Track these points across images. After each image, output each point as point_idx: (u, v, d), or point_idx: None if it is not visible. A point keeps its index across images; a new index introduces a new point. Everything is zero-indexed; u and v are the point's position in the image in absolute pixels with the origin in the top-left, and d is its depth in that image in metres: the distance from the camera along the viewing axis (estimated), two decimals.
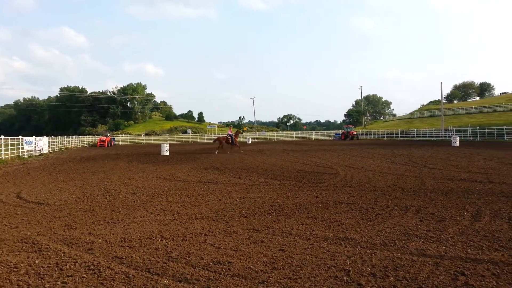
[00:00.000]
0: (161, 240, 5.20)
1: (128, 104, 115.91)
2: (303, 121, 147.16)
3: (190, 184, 10.83)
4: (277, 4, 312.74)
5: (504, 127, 39.83)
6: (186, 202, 8.04)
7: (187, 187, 10.24)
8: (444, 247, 4.62)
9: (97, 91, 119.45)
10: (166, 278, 3.84)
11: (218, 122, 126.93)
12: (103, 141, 46.97)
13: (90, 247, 4.92)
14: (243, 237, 5.28)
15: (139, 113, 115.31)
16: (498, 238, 4.94)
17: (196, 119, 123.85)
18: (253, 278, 3.79)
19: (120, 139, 63.80)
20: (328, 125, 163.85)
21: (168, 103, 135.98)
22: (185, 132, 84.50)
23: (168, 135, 74.37)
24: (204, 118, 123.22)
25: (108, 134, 59.12)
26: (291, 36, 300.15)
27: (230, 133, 28.22)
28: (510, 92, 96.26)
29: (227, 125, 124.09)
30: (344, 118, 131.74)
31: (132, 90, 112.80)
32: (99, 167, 17.14)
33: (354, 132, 59.75)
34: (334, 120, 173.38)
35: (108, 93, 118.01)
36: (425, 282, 3.59)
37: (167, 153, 25.66)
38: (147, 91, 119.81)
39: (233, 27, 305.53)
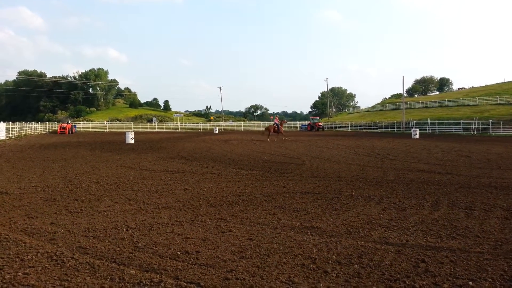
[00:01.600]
0: (127, 230, 5.11)
1: (90, 90, 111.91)
2: (270, 111, 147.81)
3: (156, 173, 10.67)
4: None
5: (461, 121, 41.76)
6: (152, 191, 7.92)
7: (153, 176, 10.08)
8: (405, 236, 4.82)
9: (57, 75, 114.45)
10: (132, 268, 3.78)
11: (185, 111, 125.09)
12: (64, 128, 45.34)
13: (53, 237, 4.76)
14: (211, 226, 5.28)
15: (102, 100, 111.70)
16: (455, 226, 5.20)
17: (162, 107, 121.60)
18: (222, 267, 3.80)
19: (82, 126, 61.69)
20: (294, 116, 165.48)
21: (133, 90, 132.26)
22: (150, 121, 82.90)
23: (132, 123, 72.70)
24: (171, 107, 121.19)
25: (69, 121, 57.04)
26: (259, 26, 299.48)
27: (276, 122, 29.97)
28: (467, 87, 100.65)
29: (194, 114, 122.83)
30: (310, 110, 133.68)
31: (94, 76, 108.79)
32: (60, 155, 16.53)
33: (320, 124, 60.79)
34: (301, 111, 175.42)
35: (69, 78, 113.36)
36: (388, 269, 3.74)
37: (132, 142, 25.11)
38: (110, 77, 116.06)
39: (200, 14, 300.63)
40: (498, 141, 24.86)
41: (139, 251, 4.28)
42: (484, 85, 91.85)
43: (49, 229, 5.15)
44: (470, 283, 3.42)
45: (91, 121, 77.07)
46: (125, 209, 6.32)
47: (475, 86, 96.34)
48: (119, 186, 8.54)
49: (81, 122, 69.99)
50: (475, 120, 39.61)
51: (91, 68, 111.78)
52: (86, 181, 9.31)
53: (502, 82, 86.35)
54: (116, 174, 10.52)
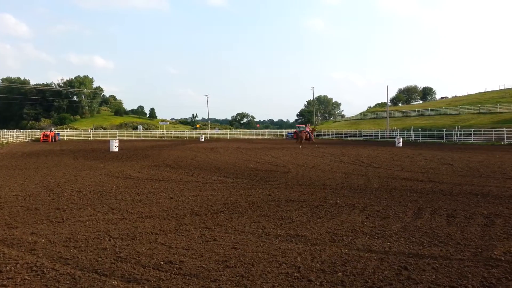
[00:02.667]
0: (109, 239, 5.03)
1: (75, 98, 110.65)
2: (257, 119, 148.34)
3: (140, 182, 10.56)
4: (229, 2, 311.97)
5: (444, 129, 42.52)
6: (136, 200, 7.84)
7: (137, 185, 9.98)
8: (388, 243, 4.86)
9: (41, 83, 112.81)
10: (114, 278, 3.73)
11: (171, 119, 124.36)
12: (47, 136, 44.64)
13: (33, 248, 4.66)
14: (195, 235, 5.24)
15: (87, 108, 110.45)
16: (437, 234, 5.28)
17: (148, 115, 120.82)
18: (205, 276, 3.78)
19: (66, 134, 60.67)
20: (281, 124, 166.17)
21: (118, 97, 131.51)
22: (135, 128, 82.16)
23: (117, 131, 71.93)
24: (156, 115, 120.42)
25: (53, 129, 56.23)
26: (245, 35, 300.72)
27: (308, 130, 31.67)
28: (449, 96, 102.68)
29: (180, 122, 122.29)
30: (297, 118, 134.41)
31: (79, 83, 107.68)
32: (42, 163, 16.24)
33: None
34: (287, 119, 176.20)
35: (53, 85, 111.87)
36: (371, 277, 3.77)
37: (116, 150, 24.83)
38: (95, 84, 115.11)
39: (187, 22, 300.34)
40: (479, 150, 25.38)
41: (122, 261, 4.22)
42: (466, 94, 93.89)
43: (30, 239, 5.04)
44: None
45: (75, 129, 76.00)
46: (108, 219, 6.23)
47: (458, 95, 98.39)
48: (102, 195, 8.42)
49: (65, 130, 68.93)
50: (457, 128, 40.39)
51: (76, 75, 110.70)
52: (68, 190, 9.16)
53: (483, 92, 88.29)
54: (99, 182, 10.38)
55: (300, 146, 29.16)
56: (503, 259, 4.24)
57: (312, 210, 6.84)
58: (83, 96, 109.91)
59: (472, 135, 38.05)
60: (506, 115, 52.19)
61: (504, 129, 34.34)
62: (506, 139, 33.38)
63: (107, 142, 30.85)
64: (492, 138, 35.53)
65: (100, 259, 4.29)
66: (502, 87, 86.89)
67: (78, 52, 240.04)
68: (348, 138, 56.91)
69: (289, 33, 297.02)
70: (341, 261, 4.22)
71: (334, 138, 60.61)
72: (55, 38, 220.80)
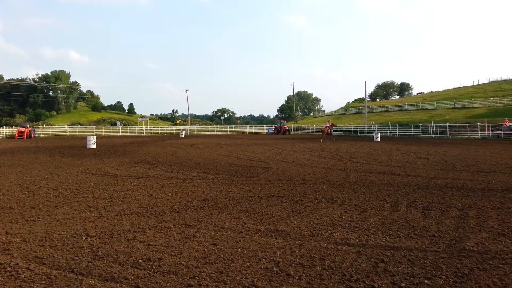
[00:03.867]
0: (86, 238, 4.95)
1: (51, 93, 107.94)
2: (237, 115, 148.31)
3: (118, 179, 10.41)
4: None
5: (420, 124, 43.42)
6: (114, 197, 7.72)
7: (115, 182, 9.83)
8: (366, 236, 4.95)
9: (15, 78, 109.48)
10: (91, 277, 3.67)
11: (150, 115, 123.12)
12: (22, 132, 43.29)
13: (7, 247, 4.54)
14: (175, 232, 5.21)
15: (63, 103, 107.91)
16: (413, 226, 5.40)
17: (126, 111, 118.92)
18: (184, 273, 3.76)
19: (41, 130, 59.14)
20: (261, 120, 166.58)
21: (95, 93, 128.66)
22: (114, 124, 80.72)
23: (95, 127, 70.56)
24: (135, 110, 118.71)
25: (28, 125, 54.40)
26: (227, 29, 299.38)
27: (328, 125, 34.68)
28: (425, 92, 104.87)
29: (160, 117, 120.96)
30: (277, 113, 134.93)
31: (55, 78, 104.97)
32: (17, 160, 15.80)
33: (286, 127, 61.46)
34: (268, 115, 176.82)
35: (28, 80, 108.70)
36: (349, 270, 3.82)
37: (94, 146, 24.38)
38: (72, 79, 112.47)
39: (166, 16, 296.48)
40: (454, 144, 26.04)
41: (99, 259, 4.15)
42: (442, 89, 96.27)
43: (4, 238, 4.91)
44: (426, 281, 3.55)
45: (51, 125, 74.14)
46: (85, 217, 6.12)
47: (434, 90, 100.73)
48: (79, 193, 8.26)
49: (41, 126, 67.12)
50: (433, 123, 41.32)
51: (52, 70, 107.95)
52: (44, 187, 8.95)
53: (459, 87, 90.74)
54: (76, 180, 10.17)
55: (322, 140, 31.58)
56: (475, 250, 4.37)
57: (292, 205, 6.89)
58: (59, 91, 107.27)
59: (448, 129, 39.01)
60: (480, 110, 53.76)
61: (478, 123, 35.31)
62: (480, 133, 34.35)
63: (84, 139, 30.26)
64: (467, 133, 36.51)
65: (76, 258, 4.22)
66: (476, 83, 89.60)
67: (52, 46, 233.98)
68: None
69: (271, 30, 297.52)
70: (320, 255, 4.27)
71: (314, 133, 61.09)
72: (28, 31, 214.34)
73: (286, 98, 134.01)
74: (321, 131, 34.44)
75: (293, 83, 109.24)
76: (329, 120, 36.95)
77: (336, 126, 44.76)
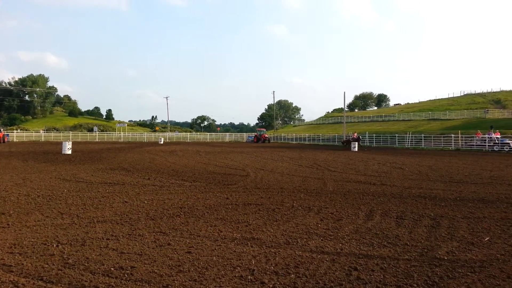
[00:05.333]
0: (57, 245, 4.82)
1: (27, 97, 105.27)
2: (218, 122, 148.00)
3: (93, 185, 10.20)
4: (194, 2, 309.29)
5: (396, 135, 44.31)
6: (88, 204, 7.55)
7: (90, 188, 9.63)
8: (340, 244, 5.00)
9: None
10: (61, 286, 3.58)
11: (129, 121, 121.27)
12: None
13: None
14: (149, 240, 5.13)
15: (39, 108, 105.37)
16: (386, 235, 5.49)
17: (105, 117, 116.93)
18: (157, 282, 3.70)
19: (16, 135, 57.42)
20: (241, 128, 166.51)
21: (73, 98, 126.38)
22: (91, 130, 79.30)
23: (71, 132, 69.05)
24: (113, 116, 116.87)
25: (1, 129, 52.83)
26: (207, 36, 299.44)
27: (355, 136, 37.60)
28: (402, 103, 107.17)
29: (139, 124, 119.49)
30: (257, 122, 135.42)
31: (32, 82, 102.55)
32: None
33: (266, 136, 61.62)
34: (248, 123, 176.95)
35: (3, 84, 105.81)
36: (322, 278, 3.85)
37: (69, 152, 23.82)
38: (49, 83, 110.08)
39: (146, 22, 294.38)
40: (429, 154, 26.66)
41: (69, 267, 4.05)
42: (418, 101, 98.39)
43: None
44: None
45: (26, 130, 72.19)
46: (57, 224, 5.97)
47: (410, 102, 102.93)
48: (52, 199, 8.05)
49: (15, 131, 65.23)
50: (409, 134, 42.24)
51: (29, 74, 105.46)
52: (15, 193, 8.68)
53: (434, 99, 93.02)
54: (49, 186, 9.92)
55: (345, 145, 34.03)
56: (446, 258, 4.47)
57: (269, 213, 6.90)
58: (35, 95, 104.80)
59: (423, 140, 39.91)
60: (454, 122, 55.29)
61: (452, 135, 36.31)
62: (454, 144, 35.30)
63: (59, 144, 29.55)
64: (441, 144, 37.48)
65: (46, 265, 4.10)
66: (451, 95, 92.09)
67: (29, 50, 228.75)
68: (307, 142, 58.00)
69: (252, 38, 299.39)
70: (295, 263, 4.28)
71: (294, 142, 61.54)
72: (3, 34, 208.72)
73: (266, 107, 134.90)
74: (348, 141, 36.08)
75: (273, 92, 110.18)
76: (355, 133, 39.08)
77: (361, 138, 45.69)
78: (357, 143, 34.19)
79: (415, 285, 3.70)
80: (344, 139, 36.82)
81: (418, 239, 5.31)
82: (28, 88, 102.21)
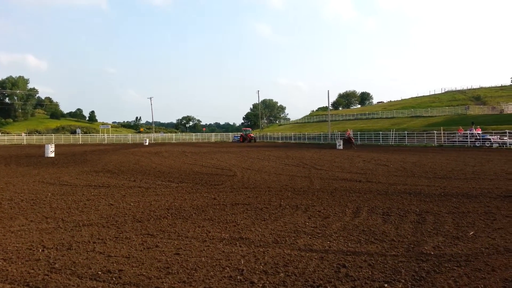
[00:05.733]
0: (43, 250, 4.73)
1: (7, 100, 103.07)
2: (203, 123, 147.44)
3: (78, 188, 10.04)
4: (174, 2, 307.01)
5: (380, 132, 44.85)
6: (73, 208, 7.44)
7: (74, 191, 9.47)
8: (328, 242, 5.03)
9: None
10: None
11: (113, 122, 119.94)
12: None
13: None
14: (136, 243, 5.08)
15: (20, 110, 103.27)
16: (373, 232, 5.55)
17: (87, 118, 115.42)
18: (146, 285, 3.67)
19: None
20: (227, 128, 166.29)
21: (54, 100, 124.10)
22: (74, 132, 78.05)
23: (53, 135, 67.89)
24: (97, 118, 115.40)
25: None
26: (190, 36, 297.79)
27: (349, 134, 36.74)
28: (385, 101, 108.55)
29: (123, 125, 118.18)
30: (243, 121, 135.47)
31: (11, 84, 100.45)
32: None
33: (252, 135, 61.61)
34: (233, 123, 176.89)
35: None
36: (311, 276, 3.87)
37: (52, 155, 23.41)
38: (30, 85, 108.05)
39: (126, 21, 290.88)
40: (412, 151, 27.06)
41: (56, 272, 3.98)
42: (400, 99, 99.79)
43: None
44: (386, 285, 3.65)
45: (7, 133, 70.72)
46: (42, 228, 5.86)
47: (393, 100, 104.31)
48: (36, 203, 7.90)
49: None
50: (393, 131, 42.78)
51: (7, 76, 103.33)
52: None
53: (416, 97, 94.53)
54: (33, 190, 9.72)
55: (355, 148, 32.90)
56: (432, 253, 4.55)
57: (257, 213, 6.90)
58: (15, 98, 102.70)
59: (406, 137, 40.49)
60: (436, 119, 56.26)
61: (435, 131, 36.91)
62: (437, 141, 35.91)
63: (42, 147, 28.99)
64: (424, 140, 38.06)
65: (32, 271, 4.02)
66: (432, 92, 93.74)
67: (8, 51, 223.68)
68: (292, 141, 58.19)
69: (236, 37, 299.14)
70: (284, 261, 4.29)
71: (279, 141, 61.68)
72: None
73: (252, 106, 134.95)
74: (348, 141, 35.70)
75: (258, 91, 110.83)
76: (348, 130, 38.52)
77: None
78: (347, 141, 34.56)
79: (403, 281, 3.75)
80: (346, 137, 36.58)
81: (405, 234, 5.38)
82: (8, 90, 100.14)
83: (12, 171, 14.52)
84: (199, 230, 5.75)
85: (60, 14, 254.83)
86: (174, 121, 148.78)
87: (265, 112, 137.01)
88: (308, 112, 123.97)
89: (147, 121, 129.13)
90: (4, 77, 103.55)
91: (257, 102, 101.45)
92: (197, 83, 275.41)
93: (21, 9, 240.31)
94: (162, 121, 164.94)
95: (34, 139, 61.04)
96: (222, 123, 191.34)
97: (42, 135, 67.86)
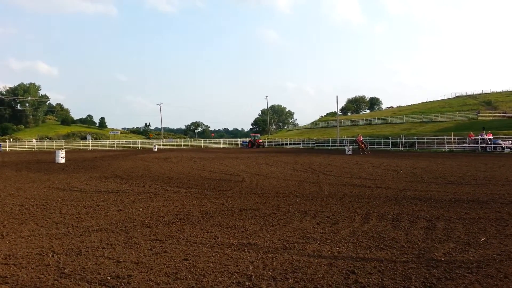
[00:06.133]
0: (53, 255, 4.77)
1: (19, 106, 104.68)
2: (211, 128, 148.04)
3: (87, 194, 10.13)
4: (185, 8, 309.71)
5: (390, 137, 44.59)
6: (83, 213, 7.49)
7: (84, 197, 9.56)
8: (337, 248, 4.99)
9: None
10: None
11: (122, 128, 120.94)
12: None
13: None
14: (145, 248, 5.09)
15: (31, 117, 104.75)
16: (383, 238, 5.49)
17: (98, 124, 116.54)
18: None
19: (8, 145, 57.02)
20: (236, 133, 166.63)
21: (65, 106, 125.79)
22: (84, 138, 78.84)
23: (64, 141, 68.68)
24: (107, 124, 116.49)
25: None
26: (198, 42, 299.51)
27: (361, 139, 35.99)
28: (394, 106, 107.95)
29: (132, 131, 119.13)
30: (251, 127, 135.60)
31: (23, 91, 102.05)
32: None
33: (260, 141, 61.64)
34: (242, 128, 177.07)
35: None
36: (320, 282, 3.84)
37: (63, 161, 23.66)
38: (41, 92, 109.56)
39: (136, 28, 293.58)
40: (422, 156, 26.82)
41: (65, 277, 4.01)
42: (410, 104, 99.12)
43: None
44: None
45: (19, 139, 71.70)
46: (52, 233, 5.91)
47: (402, 105, 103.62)
48: (46, 209, 7.98)
49: (7, 141, 64.71)
50: (402, 136, 42.49)
51: (19, 83, 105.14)
52: (9, 204, 8.60)
53: (426, 102, 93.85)
54: (43, 196, 9.83)
55: (366, 153, 32.90)
56: (443, 260, 4.48)
57: (265, 218, 6.89)
58: (27, 104, 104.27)
59: (416, 142, 40.17)
60: (446, 124, 55.78)
61: (445, 137, 36.57)
62: (447, 146, 35.55)
63: (52, 153, 29.34)
64: (434, 146, 37.71)
65: (42, 276, 4.06)
66: (442, 98, 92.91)
67: (20, 58, 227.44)
68: (301, 147, 58.07)
69: (244, 43, 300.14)
70: (292, 267, 4.27)
71: (288, 146, 61.61)
72: None
73: (260, 112, 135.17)
74: (360, 146, 35.30)
75: (266, 97, 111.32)
76: (360, 135, 38.29)
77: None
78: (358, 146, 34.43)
79: (413, 287, 3.70)
80: (356, 143, 36.32)
81: (415, 241, 5.32)
82: (20, 97, 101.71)
83: (23, 177, 14.69)
84: (207, 235, 5.75)
85: (70, 22, 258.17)
86: (183, 127, 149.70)
87: (274, 117, 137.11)
88: (316, 118, 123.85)
89: (156, 127, 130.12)
90: (16, 84, 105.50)
91: (266, 108, 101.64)
92: (205, 89, 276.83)
93: (32, 17, 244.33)
94: (171, 127, 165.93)
95: (45, 145, 61.78)
96: (230, 128, 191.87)
97: (53, 141, 68.68)
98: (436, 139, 38.71)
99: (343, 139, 51.65)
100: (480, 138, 32.45)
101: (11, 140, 67.25)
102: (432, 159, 23.13)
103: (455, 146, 35.29)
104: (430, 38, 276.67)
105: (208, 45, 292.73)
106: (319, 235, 5.66)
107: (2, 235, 5.80)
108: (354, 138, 37.97)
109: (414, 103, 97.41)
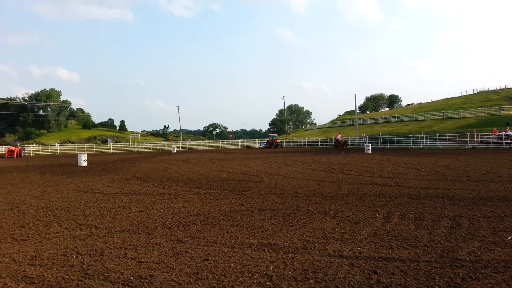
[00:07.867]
0: (77, 256, 4.88)
1: (41, 112, 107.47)
2: (229, 129, 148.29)
3: (109, 196, 10.31)
4: (200, 11, 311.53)
5: (410, 135, 43.81)
6: (105, 215, 7.64)
7: (106, 199, 9.74)
8: (358, 248, 4.94)
9: (4, 97, 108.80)
10: None
11: (142, 131, 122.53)
12: (12, 151, 42.80)
13: None
14: (166, 248, 5.15)
15: (53, 121, 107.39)
16: (405, 237, 5.40)
17: (118, 128, 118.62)
18: None
19: (32, 149, 58.58)
20: (253, 134, 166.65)
21: (86, 110, 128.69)
22: (105, 141, 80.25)
23: (86, 144, 70.05)
24: (126, 127, 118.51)
25: (18, 144, 53.88)
26: (215, 44, 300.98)
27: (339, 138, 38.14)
28: (415, 103, 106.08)
29: (152, 134, 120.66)
30: (269, 127, 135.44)
31: (45, 97, 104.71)
32: (6, 180, 15.58)
33: (278, 141, 61.58)
34: (260, 129, 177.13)
35: (17, 99, 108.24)
36: (342, 282, 3.81)
37: (85, 164, 24.17)
38: (63, 97, 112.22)
39: (153, 32, 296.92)
40: (444, 154, 26.26)
41: (89, 278, 4.09)
42: (430, 101, 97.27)
43: None
44: None
45: (42, 144, 73.49)
46: (76, 235, 6.04)
47: (422, 102, 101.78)
48: (70, 211, 8.16)
49: (31, 145, 66.47)
50: (423, 134, 41.71)
51: (42, 89, 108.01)
52: (34, 206, 8.83)
53: (447, 98, 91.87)
54: (67, 198, 10.06)
55: (343, 152, 33.23)
56: (467, 259, 4.38)
57: (285, 218, 6.87)
58: (49, 109, 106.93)
59: (438, 140, 39.38)
60: (468, 120, 54.41)
61: (467, 133, 35.72)
62: (470, 143, 34.73)
63: (75, 157, 30.00)
64: (457, 143, 36.89)
65: (67, 276, 4.15)
66: (464, 94, 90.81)
67: (41, 64, 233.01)
68: (319, 146, 57.69)
69: (260, 44, 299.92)
70: (313, 268, 4.25)
71: (306, 146, 61.32)
72: (14, 49, 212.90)
73: (277, 112, 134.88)
74: (343, 144, 36.05)
75: (283, 97, 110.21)
76: (339, 133, 38.36)
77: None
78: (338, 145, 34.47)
79: (437, 287, 3.63)
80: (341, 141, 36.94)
81: (438, 240, 5.22)
82: (42, 102, 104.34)
83: (47, 180, 15.07)
84: (227, 236, 5.77)
85: (87, 28, 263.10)
86: (201, 129, 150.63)
87: (291, 117, 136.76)
88: (334, 117, 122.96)
89: (174, 129, 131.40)
90: (38, 90, 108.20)
91: (283, 108, 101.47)
92: (223, 91, 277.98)
93: (50, 24, 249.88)
94: (189, 128, 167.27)
95: (68, 149, 63.19)
96: (248, 129, 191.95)
97: (75, 145, 70.16)
98: (458, 136, 37.85)
99: (362, 138, 51.09)
100: (504, 134, 31.57)
101: (34, 145, 69.01)
102: (454, 157, 22.63)
103: (478, 143, 34.42)
104: (450, 33, 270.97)
105: (225, 46, 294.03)
106: (340, 235, 5.61)
107: (28, 237, 5.97)
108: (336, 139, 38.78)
109: (434, 100, 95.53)
